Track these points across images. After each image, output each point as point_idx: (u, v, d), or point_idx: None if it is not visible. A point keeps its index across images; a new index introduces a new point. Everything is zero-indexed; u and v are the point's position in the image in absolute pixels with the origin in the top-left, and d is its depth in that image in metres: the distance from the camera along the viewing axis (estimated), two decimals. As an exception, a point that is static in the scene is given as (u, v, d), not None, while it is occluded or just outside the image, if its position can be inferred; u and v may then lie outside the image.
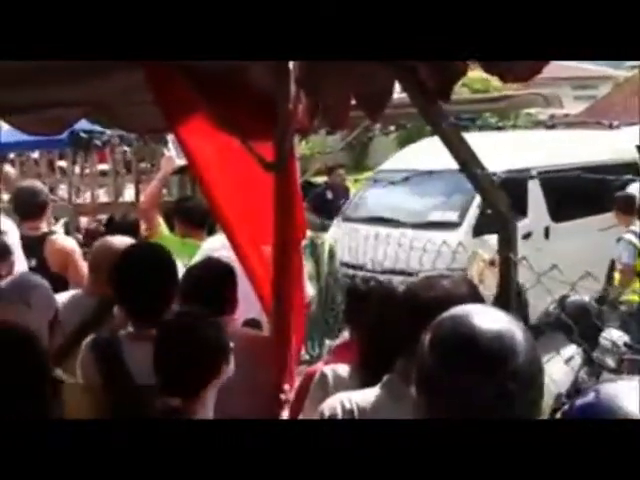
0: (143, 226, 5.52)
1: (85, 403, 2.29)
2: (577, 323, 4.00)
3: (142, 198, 6.30)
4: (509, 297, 2.47)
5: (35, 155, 8.18)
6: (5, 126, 4.12)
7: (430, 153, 8.03)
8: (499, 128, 9.96)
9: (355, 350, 2.47)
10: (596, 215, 7.98)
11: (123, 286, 2.60)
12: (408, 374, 1.51)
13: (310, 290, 4.40)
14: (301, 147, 8.42)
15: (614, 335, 4.50)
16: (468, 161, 2.44)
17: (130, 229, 5.45)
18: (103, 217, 7.25)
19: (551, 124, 8.53)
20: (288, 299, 2.86)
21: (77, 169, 8.18)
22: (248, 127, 2.72)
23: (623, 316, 5.60)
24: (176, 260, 2.76)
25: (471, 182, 2.59)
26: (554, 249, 6.88)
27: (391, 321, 2.04)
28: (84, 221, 7.41)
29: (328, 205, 9.65)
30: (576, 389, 4.15)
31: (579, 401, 1.42)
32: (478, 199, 7.38)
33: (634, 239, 6.45)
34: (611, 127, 7.48)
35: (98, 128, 5.53)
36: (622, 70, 24.04)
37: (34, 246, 4.27)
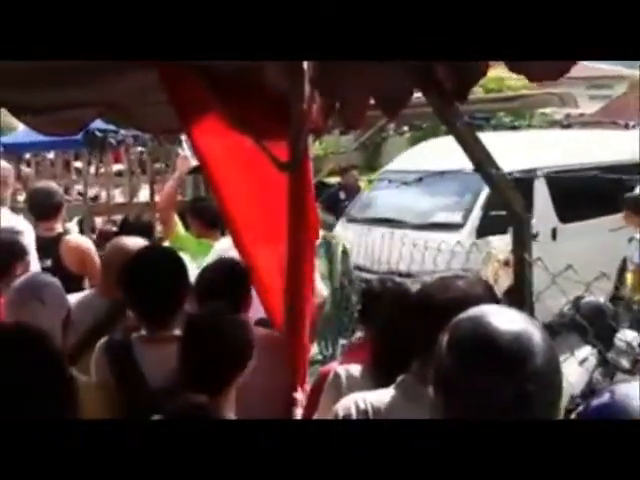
0: (158, 227, 5.53)
1: (99, 402, 2.30)
2: (592, 324, 3.98)
3: (157, 198, 6.33)
4: (524, 297, 2.46)
5: (51, 155, 8.23)
6: (21, 127, 4.15)
7: (434, 154, 8.04)
8: (514, 128, 9.92)
9: (369, 350, 2.47)
10: (606, 216, 7.85)
11: (133, 290, 2.60)
12: (424, 375, 1.51)
13: (324, 290, 4.39)
14: (315, 147, 8.41)
15: (629, 336, 4.48)
16: (483, 161, 2.43)
17: (144, 230, 5.48)
18: (118, 217, 7.27)
19: (567, 123, 8.50)
20: (302, 299, 2.86)
21: (92, 169, 8.22)
22: (262, 127, 2.72)
23: (637, 316, 5.57)
24: (192, 260, 2.76)
25: (486, 182, 2.59)
26: (561, 250, 6.80)
27: (405, 322, 2.03)
28: (99, 221, 7.44)
29: (341, 205, 9.65)
30: (591, 390, 4.12)
31: (595, 402, 1.42)
32: (482, 200, 7.36)
33: (646, 240, 6.40)
34: (627, 127, 7.46)
35: (112, 127, 5.54)
36: (636, 70, 23.87)
37: (49, 247, 4.30)
